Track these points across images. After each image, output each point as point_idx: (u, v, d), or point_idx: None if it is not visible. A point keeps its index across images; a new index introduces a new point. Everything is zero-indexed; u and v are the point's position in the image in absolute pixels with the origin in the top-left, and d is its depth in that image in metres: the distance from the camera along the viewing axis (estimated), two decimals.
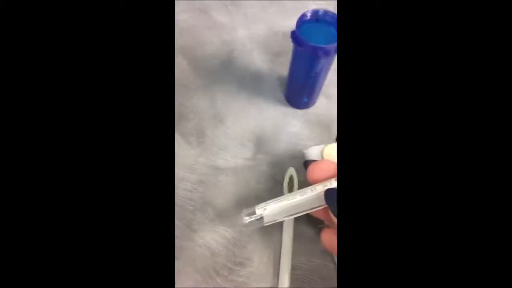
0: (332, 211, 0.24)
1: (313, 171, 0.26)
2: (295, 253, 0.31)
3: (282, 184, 0.34)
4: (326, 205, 0.25)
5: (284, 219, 0.26)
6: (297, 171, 0.34)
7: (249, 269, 0.30)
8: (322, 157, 0.35)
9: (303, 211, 0.26)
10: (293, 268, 0.30)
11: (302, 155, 0.36)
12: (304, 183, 0.34)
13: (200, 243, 0.31)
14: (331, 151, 0.35)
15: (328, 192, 0.25)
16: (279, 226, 0.32)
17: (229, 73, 0.41)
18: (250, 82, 0.40)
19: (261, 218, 0.25)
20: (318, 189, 0.25)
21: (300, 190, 0.26)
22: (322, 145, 0.36)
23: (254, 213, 0.25)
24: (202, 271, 0.30)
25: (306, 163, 0.28)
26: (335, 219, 0.23)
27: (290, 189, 0.33)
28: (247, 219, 0.25)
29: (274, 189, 0.34)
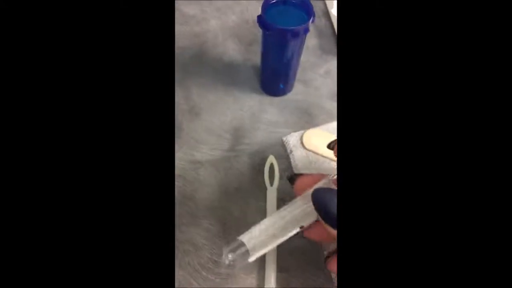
0: (320, 215, 0.22)
1: (302, 186, 0.25)
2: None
3: (263, 172, 0.33)
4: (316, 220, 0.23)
5: (272, 246, 0.23)
6: (277, 158, 0.34)
7: None
8: (302, 143, 0.35)
9: (292, 229, 0.24)
10: (280, 256, 0.30)
11: (281, 142, 0.36)
12: (285, 171, 0.34)
13: (182, 239, 0.31)
14: (310, 136, 0.35)
15: (316, 192, 0.23)
16: (262, 216, 0.32)
17: (203, 65, 0.40)
18: (224, 73, 0.40)
19: (247, 251, 0.22)
20: (301, 202, 0.24)
21: (281, 209, 0.24)
22: (301, 131, 0.36)
23: (238, 246, 0.23)
24: (187, 267, 0.30)
25: (292, 179, 0.27)
26: (333, 232, 0.22)
27: (271, 178, 0.33)
28: (230, 257, 0.22)
29: (256, 179, 0.34)
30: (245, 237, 0.23)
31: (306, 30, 0.29)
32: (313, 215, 0.24)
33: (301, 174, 0.27)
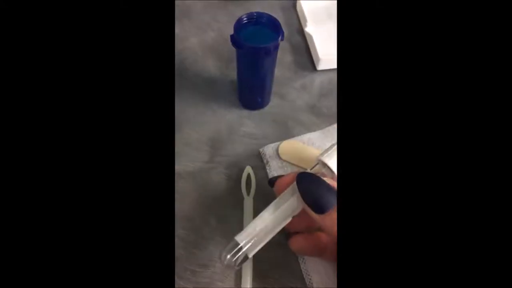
0: (303, 197, 0.23)
1: (282, 186, 0.26)
2: None
3: (240, 183, 0.34)
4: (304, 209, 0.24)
5: (268, 239, 0.25)
6: (254, 169, 0.35)
7: (212, 269, 0.31)
8: (278, 154, 0.36)
9: (284, 221, 0.25)
10: (256, 263, 0.31)
11: (258, 153, 0.37)
12: (262, 181, 0.35)
13: None
14: (285, 147, 0.37)
15: (300, 176, 0.24)
16: (239, 225, 0.33)
17: (183, 81, 0.42)
18: (204, 88, 0.41)
19: (243, 251, 0.24)
20: (288, 196, 0.25)
21: (270, 205, 0.25)
22: (278, 142, 0.37)
23: (234, 246, 0.24)
24: None
25: (272, 182, 0.28)
26: (315, 216, 0.23)
27: (248, 188, 0.34)
28: (229, 257, 0.23)
29: (233, 189, 0.35)
30: (240, 237, 0.24)
31: (276, 47, 0.31)
32: (300, 205, 0.25)
33: (280, 176, 0.28)
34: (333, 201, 0.22)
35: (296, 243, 0.28)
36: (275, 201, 0.26)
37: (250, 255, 0.24)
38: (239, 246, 0.24)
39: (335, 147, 0.27)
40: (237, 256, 0.24)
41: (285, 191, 0.26)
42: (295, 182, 0.24)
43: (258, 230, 0.24)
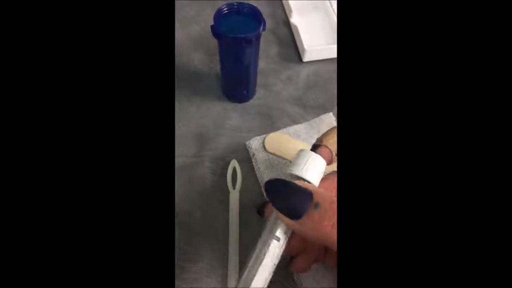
0: (276, 206, 0.22)
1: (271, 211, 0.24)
2: (242, 242, 0.31)
3: (226, 176, 0.34)
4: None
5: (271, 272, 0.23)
6: (240, 162, 0.35)
7: (201, 264, 0.30)
8: (264, 147, 0.36)
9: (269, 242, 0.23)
10: (242, 261, 0.30)
11: (245, 146, 0.37)
12: (248, 174, 0.35)
13: None
14: (271, 140, 0.36)
15: (267, 184, 0.22)
16: (225, 219, 0.32)
17: None
18: (189, 82, 0.41)
19: None
20: (281, 237, 0.22)
21: (261, 242, 0.23)
22: (263, 135, 0.37)
23: None
24: None
25: (260, 211, 0.26)
26: (295, 224, 0.21)
27: (234, 181, 0.34)
28: None
29: (218, 182, 0.34)
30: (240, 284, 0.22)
31: (258, 37, 0.30)
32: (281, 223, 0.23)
33: (266, 202, 0.26)
34: (307, 202, 0.20)
35: (296, 267, 0.26)
36: (262, 238, 0.23)
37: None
38: None
39: (308, 158, 0.24)
40: None
41: (269, 221, 0.24)
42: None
43: (251, 267, 0.22)
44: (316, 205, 0.20)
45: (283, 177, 0.23)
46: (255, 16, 0.31)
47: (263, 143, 0.36)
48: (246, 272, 0.22)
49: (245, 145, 0.37)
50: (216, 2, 0.47)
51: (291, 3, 0.46)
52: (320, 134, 0.26)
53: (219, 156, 0.36)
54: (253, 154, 0.36)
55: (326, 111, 0.39)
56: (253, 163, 0.35)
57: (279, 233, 0.23)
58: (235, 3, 0.30)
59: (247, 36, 0.29)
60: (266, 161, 0.35)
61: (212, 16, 0.30)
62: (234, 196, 0.33)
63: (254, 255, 0.23)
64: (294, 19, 0.44)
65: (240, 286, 0.22)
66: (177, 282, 0.30)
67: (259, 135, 0.37)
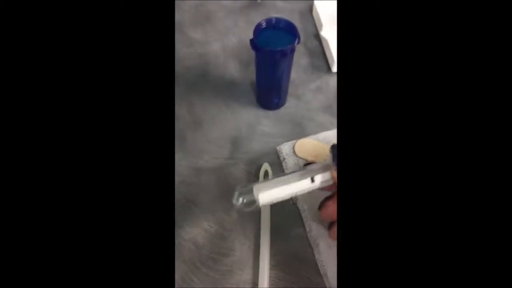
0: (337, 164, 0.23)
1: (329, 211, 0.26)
2: (273, 240, 0.33)
3: (258, 178, 0.37)
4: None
5: (281, 194, 0.25)
6: (271, 165, 0.37)
7: (232, 258, 0.33)
8: (294, 152, 0.38)
9: (301, 178, 0.25)
10: (273, 254, 0.32)
11: (275, 151, 0.39)
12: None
13: (186, 238, 0.34)
14: (301, 145, 0.39)
15: (336, 146, 0.24)
16: (257, 217, 0.35)
17: (206, 82, 0.45)
18: (224, 89, 0.44)
19: (255, 201, 0.25)
20: (317, 180, 0.25)
21: (294, 174, 0.25)
22: (294, 141, 0.39)
23: (248, 192, 0.25)
24: (188, 263, 0.33)
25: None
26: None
27: None
28: (240, 200, 0.25)
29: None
30: (256, 185, 0.25)
31: (293, 50, 0.33)
32: (324, 169, 0.25)
33: (328, 197, 0.27)
34: None
35: (326, 208, 0.27)
36: (300, 172, 0.26)
37: (261, 204, 0.25)
38: (251, 193, 0.25)
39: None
40: (246, 199, 0.25)
41: (317, 166, 0.26)
42: (329, 159, 0.25)
43: (274, 182, 0.25)
44: None
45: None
46: (291, 31, 0.33)
47: (293, 148, 0.38)
48: (265, 183, 0.25)
49: (276, 150, 0.39)
50: (249, 15, 0.50)
51: (322, 16, 0.48)
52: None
53: (252, 159, 0.39)
54: (284, 158, 0.38)
55: None
56: (283, 167, 0.38)
57: (316, 178, 0.25)
58: (273, 19, 0.33)
59: (283, 50, 0.32)
60: (295, 165, 0.37)
61: (247, 28, 0.33)
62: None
63: (284, 178, 0.25)
64: (324, 32, 0.47)
65: (255, 187, 0.25)
66: (209, 273, 0.32)
67: (289, 140, 0.39)
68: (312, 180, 0.25)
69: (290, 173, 0.26)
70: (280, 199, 0.26)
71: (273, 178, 0.26)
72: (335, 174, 0.24)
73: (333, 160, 0.25)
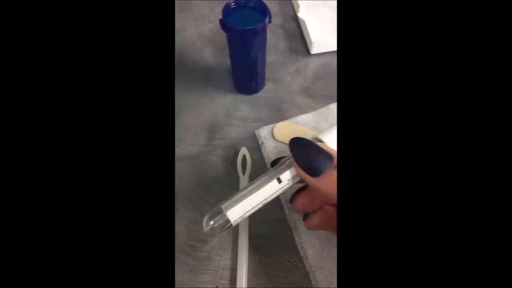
0: (297, 161, 0.23)
1: (302, 204, 0.26)
2: (252, 223, 0.33)
3: (236, 164, 0.36)
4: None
5: (252, 205, 0.24)
6: (249, 150, 0.36)
7: (210, 244, 0.32)
8: (272, 135, 0.38)
9: (268, 181, 0.24)
10: (252, 238, 0.32)
11: (254, 135, 0.38)
12: (257, 161, 0.36)
13: None
14: (280, 129, 0.38)
15: (293, 141, 0.24)
16: None
17: (182, 70, 0.44)
18: (201, 76, 0.43)
19: (228, 221, 0.24)
20: (284, 179, 0.24)
21: (261, 179, 0.24)
22: (272, 124, 0.39)
23: (217, 213, 0.24)
24: None
25: (274, 163, 0.27)
26: (313, 181, 0.22)
27: (244, 168, 0.35)
28: (211, 224, 0.24)
29: (229, 169, 0.36)
30: (224, 204, 0.24)
31: (264, 29, 0.32)
32: (289, 167, 0.24)
33: (300, 189, 0.27)
34: (327, 163, 0.22)
35: (310, 222, 0.27)
36: (267, 174, 0.25)
37: (233, 221, 0.24)
38: (221, 213, 0.24)
39: (333, 126, 0.26)
40: (217, 221, 0.24)
41: (283, 165, 0.25)
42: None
43: (243, 196, 0.24)
44: (335, 167, 0.22)
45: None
46: (261, 9, 0.32)
47: (271, 131, 0.38)
48: (235, 197, 0.24)
49: (254, 134, 0.38)
50: (225, 2, 0.49)
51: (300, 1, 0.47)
52: (328, 123, 0.27)
53: (229, 145, 0.38)
54: (262, 143, 0.37)
55: (333, 100, 0.40)
56: (262, 151, 0.37)
57: (282, 177, 0.24)
58: None
59: (254, 28, 0.31)
60: (275, 149, 0.37)
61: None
62: (244, 182, 0.34)
63: (250, 187, 0.24)
64: (302, 14, 0.46)
65: (223, 206, 0.24)
66: (188, 260, 0.31)
67: (268, 124, 0.38)
68: (279, 181, 0.24)
69: (257, 179, 0.25)
70: (253, 210, 0.24)
71: (240, 190, 0.25)
72: (298, 168, 0.23)
73: (291, 152, 0.23)
